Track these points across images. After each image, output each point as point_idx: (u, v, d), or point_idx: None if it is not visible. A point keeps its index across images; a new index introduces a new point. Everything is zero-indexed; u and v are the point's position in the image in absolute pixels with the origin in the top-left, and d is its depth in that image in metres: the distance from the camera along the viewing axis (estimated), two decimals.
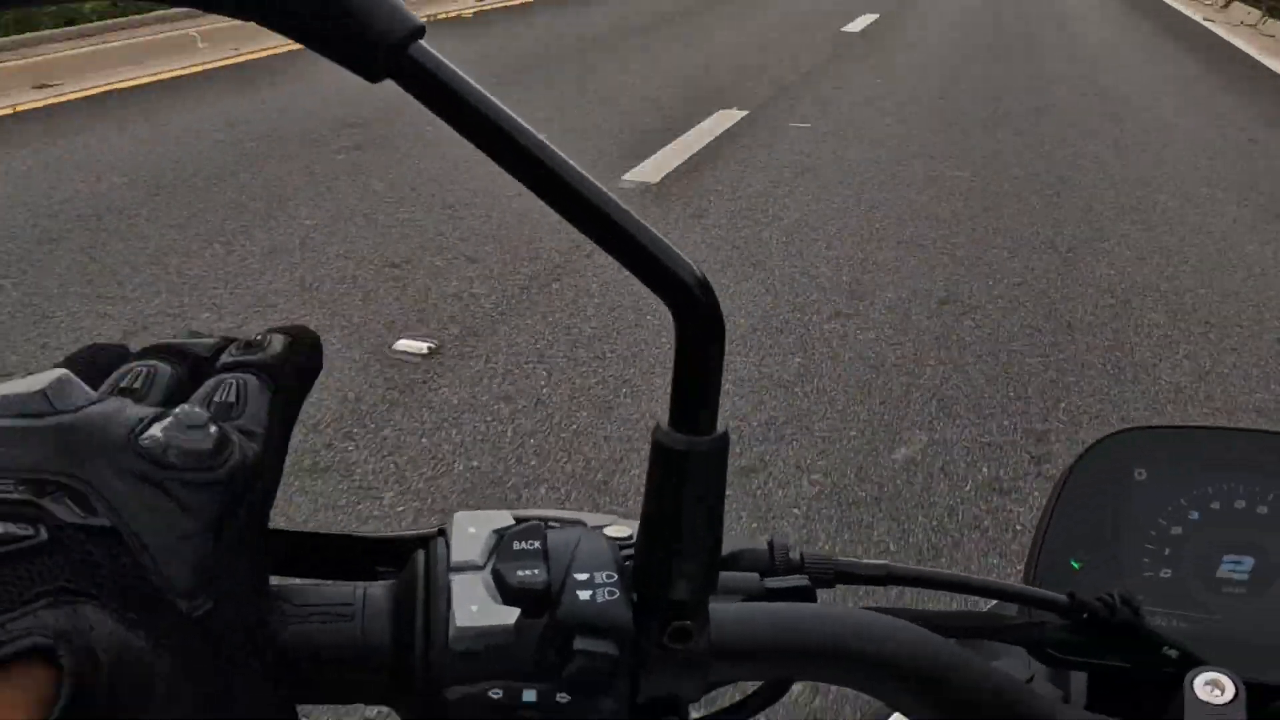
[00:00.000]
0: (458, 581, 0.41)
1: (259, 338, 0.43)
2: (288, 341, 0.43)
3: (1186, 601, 0.57)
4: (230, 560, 0.38)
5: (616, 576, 0.42)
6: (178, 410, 0.39)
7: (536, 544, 0.42)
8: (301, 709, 0.42)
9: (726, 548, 0.48)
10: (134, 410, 0.39)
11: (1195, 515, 0.57)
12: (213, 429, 0.39)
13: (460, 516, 0.43)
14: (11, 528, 0.34)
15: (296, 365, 0.43)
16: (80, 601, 0.34)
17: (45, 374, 0.39)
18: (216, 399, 0.41)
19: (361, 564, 0.46)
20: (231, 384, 0.41)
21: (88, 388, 0.39)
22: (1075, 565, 0.57)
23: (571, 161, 0.38)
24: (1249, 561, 0.57)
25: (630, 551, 0.44)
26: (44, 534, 0.34)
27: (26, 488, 0.35)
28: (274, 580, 0.43)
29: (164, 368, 0.42)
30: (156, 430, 0.38)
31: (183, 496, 0.37)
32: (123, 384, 0.41)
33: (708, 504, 0.41)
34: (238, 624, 0.38)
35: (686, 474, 0.41)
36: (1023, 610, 0.56)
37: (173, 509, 0.37)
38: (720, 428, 0.41)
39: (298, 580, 0.45)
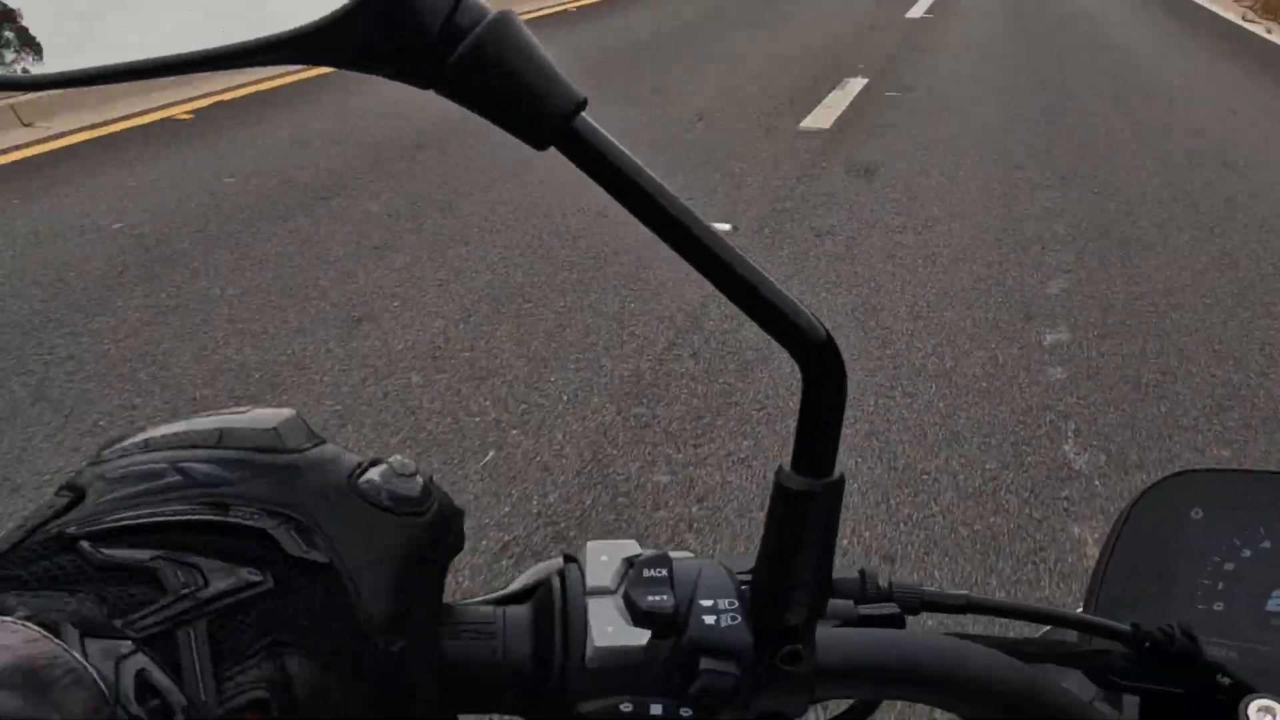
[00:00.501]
0: (594, 604, 0.45)
1: None
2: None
3: (1236, 633, 0.61)
4: (424, 595, 0.43)
5: (738, 603, 0.46)
6: (391, 459, 0.44)
7: (664, 571, 0.46)
8: None
9: None
10: (352, 455, 0.44)
11: (1247, 553, 0.61)
12: (419, 478, 0.44)
13: (593, 545, 0.47)
14: (245, 574, 0.39)
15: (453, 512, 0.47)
16: (289, 653, 0.38)
17: (275, 412, 0.43)
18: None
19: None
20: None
21: (311, 429, 0.44)
22: (1133, 597, 0.61)
23: (713, 227, 0.42)
24: None
25: (744, 579, 0.48)
26: (271, 580, 0.39)
27: (262, 516, 0.40)
28: None
29: None
30: (374, 474, 0.43)
31: (393, 537, 0.42)
32: None
33: (823, 539, 0.45)
34: (422, 653, 0.43)
35: (806, 513, 0.45)
36: (1083, 637, 0.60)
37: (384, 547, 0.42)
38: (837, 471, 0.45)
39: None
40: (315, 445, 0.43)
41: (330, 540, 0.41)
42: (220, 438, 0.42)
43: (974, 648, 0.51)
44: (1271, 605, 0.62)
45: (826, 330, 0.43)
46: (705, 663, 0.45)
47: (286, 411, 0.44)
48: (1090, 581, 0.62)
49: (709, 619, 0.45)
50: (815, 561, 0.46)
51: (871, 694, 0.51)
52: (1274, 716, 0.53)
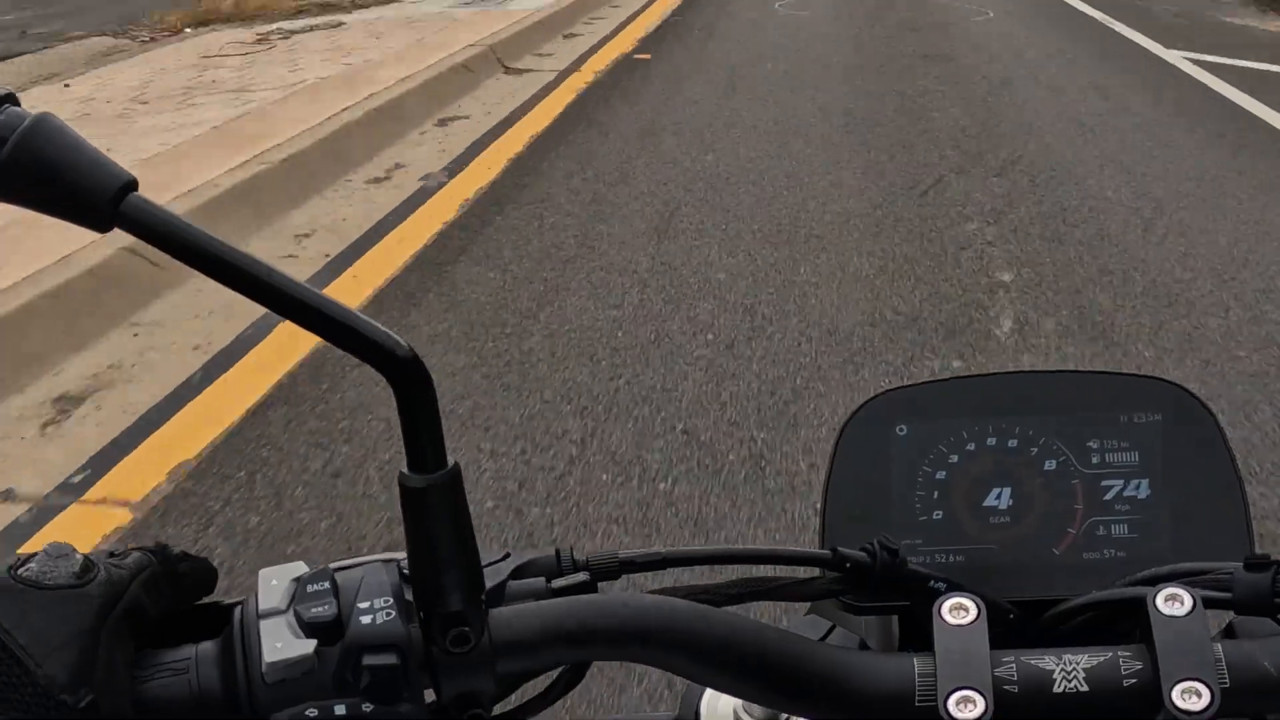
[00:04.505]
0: (265, 626, 0.50)
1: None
2: (184, 554, 0.54)
3: (960, 537, 0.65)
4: (108, 655, 0.48)
5: (392, 600, 0.50)
6: (47, 546, 0.49)
7: (326, 584, 0.50)
8: None
9: (517, 560, 0.56)
10: (12, 557, 0.48)
11: (955, 459, 0.65)
12: (78, 556, 0.49)
13: (264, 572, 0.51)
14: None
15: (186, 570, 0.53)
16: None
17: None
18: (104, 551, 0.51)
19: (198, 628, 0.54)
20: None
21: None
22: (856, 521, 0.65)
23: (284, 273, 0.47)
24: (1007, 491, 0.65)
25: None
26: None
27: None
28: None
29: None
30: (32, 564, 0.48)
31: (57, 610, 0.47)
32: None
33: (456, 524, 0.50)
34: (113, 701, 0.47)
35: (433, 505, 0.49)
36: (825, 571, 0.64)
37: (50, 620, 0.47)
38: (450, 460, 0.49)
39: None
40: None
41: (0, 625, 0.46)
42: None
43: (650, 598, 0.54)
44: (987, 503, 0.65)
45: (408, 345, 0.48)
46: (368, 658, 0.49)
47: None
48: (819, 519, 0.66)
49: (366, 619, 0.49)
50: (456, 546, 0.50)
51: (561, 661, 0.54)
52: (966, 612, 0.56)
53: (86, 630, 0.47)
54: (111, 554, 0.51)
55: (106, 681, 0.47)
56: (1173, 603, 0.55)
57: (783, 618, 0.81)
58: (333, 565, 0.53)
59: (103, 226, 0.46)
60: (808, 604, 0.75)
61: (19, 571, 0.47)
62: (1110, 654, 0.55)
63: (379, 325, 0.47)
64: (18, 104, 0.47)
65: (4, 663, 0.45)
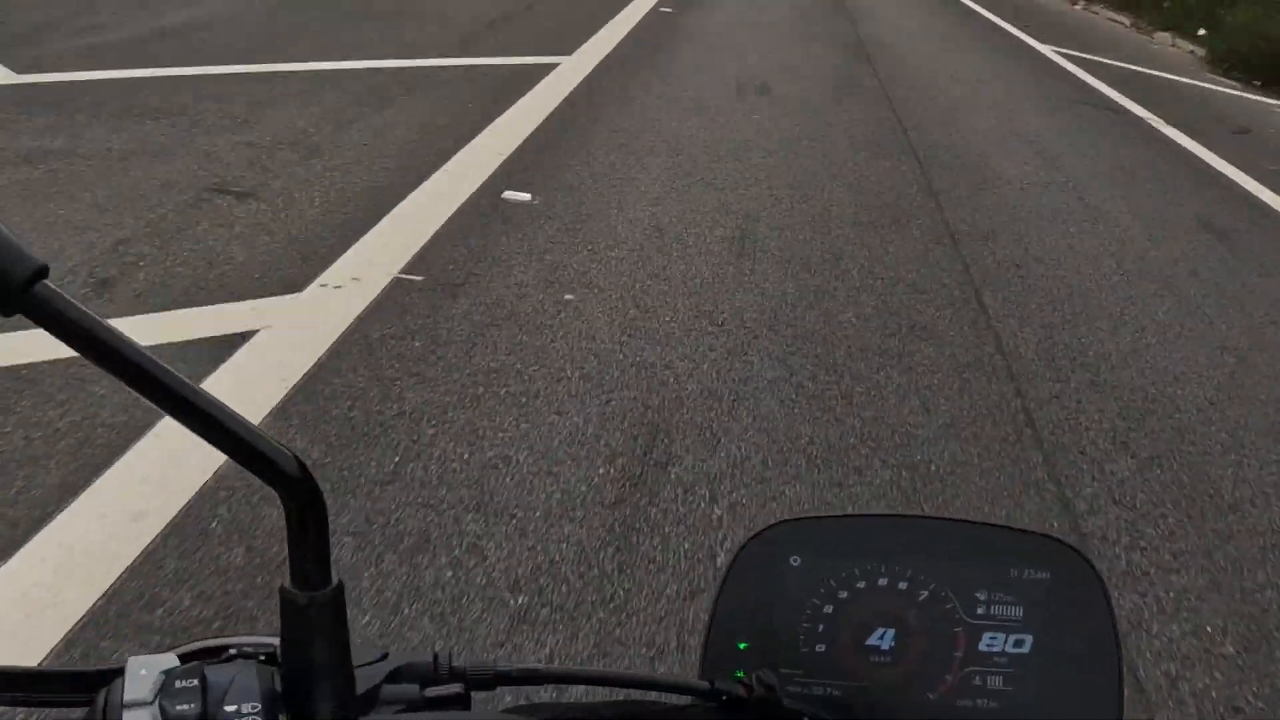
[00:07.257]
0: (129, 716, 0.49)
1: None
2: None
3: (840, 672, 0.66)
4: None
5: (260, 705, 0.50)
6: None
7: (195, 681, 0.50)
8: None
9: (395, 662, 0.56)
10: None
11: (844, 594, 0.66)
12: None
13: (133, 660, 0.51)
14: None
15: None
16: None
17: None
18: None
19: (59, 694, 0.54)
20: None
21: None
22: (742, 646, 0.65)
23: (183, 377, 0.46)
24: (891, 633, 0.66)
25: None
26: None
27: None
28: None
29: None
30: None
31: None
32: None
33: (335, 642, 0.50)
34: None
35: (311, 622, 0.49)
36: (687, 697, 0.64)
37: None
38: (335, 579, 0.49)
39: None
40: None
41: None
42: None
43: None
44: (870, 642, 0.66)
45: (300, 460, 0.47)
46: None
47: None
48: (703, 640, 0.66)
49: None
50: (331, 662, 0.50)
51: None
52: None
53: None
54: None
55: None
56: None
57: None
58: (203, 645, 0.53)
59: (7, 310, 0.45)
60: None
61: None
62: None
63: (272, 440, 0.47)
64: None
65: None
